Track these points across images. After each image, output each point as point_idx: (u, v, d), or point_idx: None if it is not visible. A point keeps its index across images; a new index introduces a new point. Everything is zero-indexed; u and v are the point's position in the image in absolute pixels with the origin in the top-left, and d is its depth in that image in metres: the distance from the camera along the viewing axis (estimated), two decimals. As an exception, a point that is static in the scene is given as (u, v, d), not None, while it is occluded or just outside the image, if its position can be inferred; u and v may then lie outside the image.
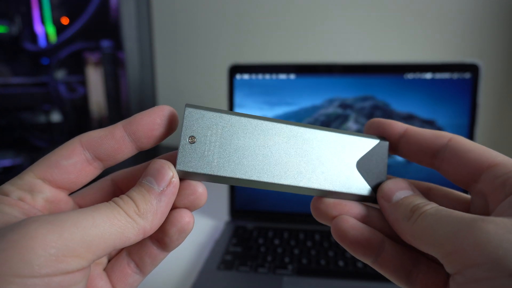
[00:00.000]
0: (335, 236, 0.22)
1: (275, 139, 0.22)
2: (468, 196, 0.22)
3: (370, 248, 0.21)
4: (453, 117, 0.56)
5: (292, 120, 0.60)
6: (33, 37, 0.76)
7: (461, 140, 0.21)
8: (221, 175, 0.21)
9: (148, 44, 0.77)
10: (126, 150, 0.21)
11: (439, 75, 0.56)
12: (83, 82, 0.75)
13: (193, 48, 0.88)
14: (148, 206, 0.19)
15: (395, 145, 0.23)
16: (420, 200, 0.20)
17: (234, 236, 0.56)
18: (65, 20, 0.76)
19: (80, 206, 0.22)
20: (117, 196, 0.20)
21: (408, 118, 0.57)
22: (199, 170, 0.21)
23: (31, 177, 0.20)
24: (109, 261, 0.23)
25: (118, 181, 0.23)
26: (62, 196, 0.21)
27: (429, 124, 0.57)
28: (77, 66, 0.76)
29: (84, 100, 0.76)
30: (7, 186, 0.20)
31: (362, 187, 0.22)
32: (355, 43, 0.82)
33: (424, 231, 0.18)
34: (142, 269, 0.22)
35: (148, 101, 0.78)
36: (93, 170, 0.21)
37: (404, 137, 0.22)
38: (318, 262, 0.50)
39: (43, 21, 0.75)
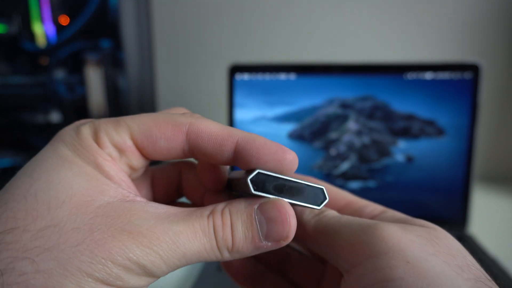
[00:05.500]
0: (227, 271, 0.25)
1: None
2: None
3: (254, 279, 0.25)
4: (453, 117, 0.56)
5: (292, 120, 0.60)
6: (32, 37, 0.76)
7: None
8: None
9: (148, 44, 0.77)
10: (224, 161, 0.19)
11: (439, 75, 0.56)
12: (83, 82, 0.75)
13: (193, 48, 0.88)
14: (243, 250, 0.18)
15: None
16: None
17: (234, 237, 0.56)
18: (65, 20, 0.76)
19: (154, 180, 0.24)
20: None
21: (408, 118, 0.57)
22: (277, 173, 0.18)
23: (127, 136, 0.18)
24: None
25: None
26: (143, 166, 0.20)
27: (430, 124, 0.57)
28: (76, 66, 0.76)
29: (83, 100, 0.76)
30: (103, 136, 0.18)
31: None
32: (355, 43, 0.82)
33: (326, 224, 0.21)
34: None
35: (148, 101, 0.78)
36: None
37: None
38: (318, 262, 0.50)
39: (43, 21, 0.75)
